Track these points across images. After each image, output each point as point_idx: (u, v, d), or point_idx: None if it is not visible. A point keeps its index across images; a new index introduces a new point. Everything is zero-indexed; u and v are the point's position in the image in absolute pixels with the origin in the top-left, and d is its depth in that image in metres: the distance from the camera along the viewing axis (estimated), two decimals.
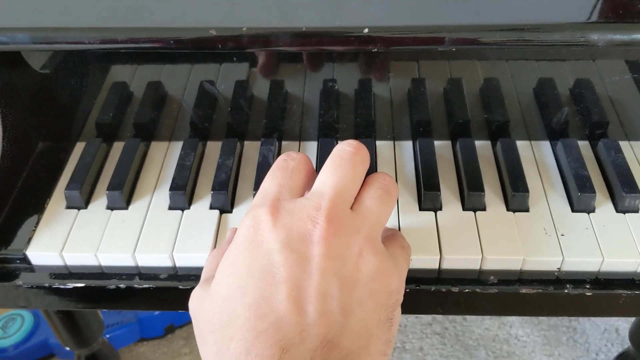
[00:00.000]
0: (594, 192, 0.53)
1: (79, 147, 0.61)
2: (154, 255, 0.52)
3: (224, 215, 0.55)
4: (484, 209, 0.54)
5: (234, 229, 0.46)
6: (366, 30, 0.47)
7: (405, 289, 0.50)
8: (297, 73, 0.58)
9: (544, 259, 0.50)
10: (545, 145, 0.60)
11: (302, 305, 0.36)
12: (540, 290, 0.50)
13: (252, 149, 0.61)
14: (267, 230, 0.38)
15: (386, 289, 0.39)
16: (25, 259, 0.53)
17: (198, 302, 0.41)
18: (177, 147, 0.61)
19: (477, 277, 0.51)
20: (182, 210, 0.55)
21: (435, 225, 0.53)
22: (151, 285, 0.52)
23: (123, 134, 0.62)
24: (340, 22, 0.48)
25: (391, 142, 0.61)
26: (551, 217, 0.53)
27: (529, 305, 0.52)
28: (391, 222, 0.53)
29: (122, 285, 0.52)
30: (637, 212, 0.54)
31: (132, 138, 0.61)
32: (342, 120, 0.60)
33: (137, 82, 0.60)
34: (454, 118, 0.59)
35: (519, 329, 1.23)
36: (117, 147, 0.61)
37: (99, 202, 0.56)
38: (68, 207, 0.56)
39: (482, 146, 0.60)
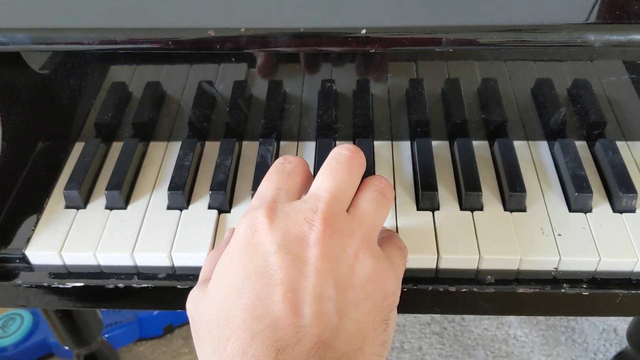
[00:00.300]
0: (591, 192, 0.53)
1: (78, 147, 0.61)
2: (152, 255, 0.52)
3: (222, 215, 0.55)
4: (481, 209, 0.54)
5: (232, 229, 0.46)
6: (364, 31, 0.48)
7: (403, 288, 0.50)
8: (296, 73, 0.58)
9: (541, 258, 0.51)
10: (543, 145, 0.61)
11: (298, 307, 0.36)
12: (538, 290, 0.50)
13: (250, 149, 0.61)
14: (264, 232, 0.39)
15: (382, 290, 0.39)
16: (24, 259, 0.53)
17: (195, 303, 0.41)
18: (175, 147, 0.61)
19: (474, 277, 0.51)
20: (181, 210, 0.55)
21: (432, 225, 0.53)
22: (150, 285, 0.52)
23: (122, 134, 0.62)
24: (338, 23, 0.48)
25: (389, 142, 0.61)
26: (548, 217, 0.54)
27: (527, 304, 0.52)
28: (389, 222, 0.53)
29: (120, 285, 0.52)
30: (634, 212, 0.54)
31: (131, 138, 0.61)
32: (341, 120, 0.60)
33: (136, 83, 0.60)
34: (452, 118, 0.59)
35: (517, 329, 1.23)
36: (116, 147, 0.62)
37: (98, 202, 0.57)
38: (67, 207, 0.56)
39: (480, 146, 0.60)
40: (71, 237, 0.54)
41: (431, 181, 0.55)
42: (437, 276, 0.51)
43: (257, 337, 0.35)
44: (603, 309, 0.52)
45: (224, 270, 0.40)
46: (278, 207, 0.40)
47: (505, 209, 0.54)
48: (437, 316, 1.26)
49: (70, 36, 0.50)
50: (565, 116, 0.59)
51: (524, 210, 0.54)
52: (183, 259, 0.52)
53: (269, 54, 0.56)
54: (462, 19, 0.49)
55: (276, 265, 0.37)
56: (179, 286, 0.52)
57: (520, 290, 0.50)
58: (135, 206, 0.56)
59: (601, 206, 0.55)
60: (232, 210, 0.56)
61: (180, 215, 0.55)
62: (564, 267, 0.51)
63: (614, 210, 0.54)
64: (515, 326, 1.24)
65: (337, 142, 0.61)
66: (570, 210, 0.54)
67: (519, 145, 0.60)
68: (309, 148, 0.61)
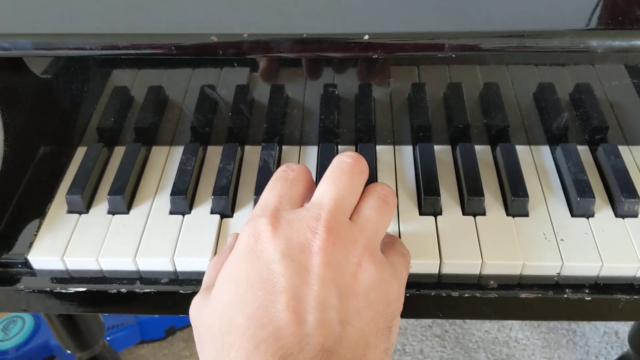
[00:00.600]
0: (594, 197, 0.53)
1: (80, 152, 0.61)
2: (155, 260, 0.52)
3: (224, 219, 0.55)
4: (483, 214, 0.54)
5: (235, 234, 0.46)
6: (366, 37, 0.48)
7: (405, 293, 0.50)
8: (298, 78, 0.58)
9: (544, 263, 0.51)
10: (545, 149, 0.61)
11: (301, 315, 0.36)
12: (540, 295, 0.50)
13: (252, 154, 0.61)
14: (267, 240, 0.39)
15: (385, 298, 0.39)
16: (26, 264, 0.53)
17: (198, 310, 0.41)
18: (178, 151, 0.61)
19: (477, 282, 0.51)
20: (183, 214, 0.55)
21: (435, 230, 0.53)
22: (152, 290, 0.52)
23: (124, 138, 0.62)
24: (340, 29, 0.49)
25: (391, 147, 0.61)
26: (551, 222, 0.54)
27: (529, 310, 0.52)
28: (391, 227, 0.53)
29: (123, 290, 0.52)
30: (636, 216, 0.54)
31: (133, 143, 0.61)
32: (343, 125, 0.60)
33: (138, 87, 0.60)
34: (454, 123, 0.59)
35: (518, 332, 1.23)
36: (118, 152, 0.61)
37: (100, 207, 0.57)
38: (69, 212, 0.56)
39: (482, 151, 0.60)
40: (73, 242, 0.54)
41: (433, 186, 0.55)
42: (440, 281, 0.51)
43: (260, 345, 0.35)
44: (605, 314, 0.52)
45: (227, 277, 0.40)
46: (281, 215, 0.40)
47: (507, 214, 0.54)
48: (439, 319, 1.26)
49: (72, 41, 0.50)
50: (568, 121, 0.59)
51: (526, 215, 0.54)
52: (185, 264, 0.52)
53: (271, 59, 0.56)
54: (465, 24, 0.49)
55: (279, 273, 0.37)
56: (181, 291, 0.52)
57: (523, 295, 0.50)
58: (138, 211, 0.56)
59: (603, 211, 0.55)
60: (234, 215, 0.56)
61: (183, 220, 0.55)
62: (566, 272, 0.51)
63: (616, 215, 0.54)
64: (516, 329, 1.24)
65: (340, 147, 0.61)
66: (573, 215, 0.54)
67: (521, 150, 0.60)
68: (311, 152, 0.61)
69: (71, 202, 0.56)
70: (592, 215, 0.54)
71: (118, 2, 0.53)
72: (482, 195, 0.54)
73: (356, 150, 0.60)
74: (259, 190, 0.55)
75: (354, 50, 0.49)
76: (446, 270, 0.51)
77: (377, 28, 0.48)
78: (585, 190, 0.54)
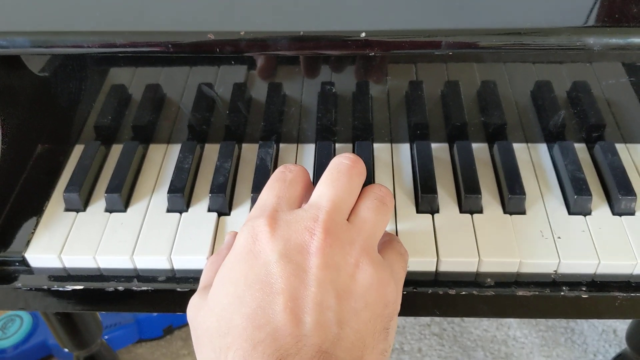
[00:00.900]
0: (591, 194, 0.53)
1: (78, 150, 0.61)
2: (152, 258, 0.52)
3: (222, 217, 0.55)
4: (480, 212, 0.54)
5: (232, 232, 0.46)
6: (363, 34, 0.48)
7: (403, 291, 0.50)
8: (295, 76, 0.58)
9: (541, 261, 0.51)
10: (542, 147, 0.61)
11: (299, 316, 0.36)
12: (537, 293, 0.50)
13: (250, 152, 0.61)
14: (265, 241, 0.39)
15: (382, 299, 0.39)
16: (24, 262, 0.53)
17: (196, 310, 0.41)
18: (175, 149, 0.61)
19: (474, 280, 0.51)
20: (181, 212, 0.55)
21: (432, 228, 0.53)
22: (149, 288, 0.52)
23: (121, 136, 0.62)
24: (338, 26, 0.49)
25: (389, 145, 0.61)
26: (548, 220, 0.54)
27: (526, 307, 0.52)
28: (389, 226, 0.53)
29: (120, 288, 0.52)
30: (633, 214, 0.54)
31: (131, 141, 0.61)
32: (340, 122, 0.60)
33: (136, 85, 0.60)
34: (451, 120, 0.59)
35: (517, 330, 1.23)
36: (116, 150, 0.62)
37: (98, 205, 0.57)
38: (67, 210, 0.56)
39: (479, 148, 0.60)
40: (71, 240, 0.54)
41: (431, 184, 0.55)
42: (437, 279, 0.52)
43: (258, 346, 0.35)
44: (602, 311, 0.52)
45: (225, 278, 0.40)
46: (279, 216, 0.40)
47: (504, 212, 0.54)
48: (437, 317, 1.26)
49: (70, 39, 0.50)
50: (565, 118, 0.59)
51: (523, 212, 0.54)
52: (183, 262, 0.52)
53: (268, 56, 0.56)
54: (462, 22, 0.49)
55: (277, 274, 0.37)
56: (178, 289, 0.52)
57: (520, 293, 0.50)
58: (135, 209, 0.56)
59: (600, 209, 0.55)
60: (231, 213, 0.56)
61: (180, 218, 0.55)
62: (563, 270, 0.51)
63: (614, 213, 0.54)
64: (514, 327, 1.24)
65: (337, 145, 0.61)
66: (570, 212, 0.54)
67: (518, 148, 0.60)
68: (309, 150, 0.61)
69: (68, 199, 0.56)
70: (590, 213, 0.54)
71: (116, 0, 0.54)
72: (479, 193, 0.54)
73: (353, 148, 0.60)
74: (256, 188, 0.55)
75: (351, 48, 0.49)
76: (443, 268, 0.51)
77: (374, 25, 0.48)
78: (582, 188, 0.54)
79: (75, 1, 0.54)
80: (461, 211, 0.55)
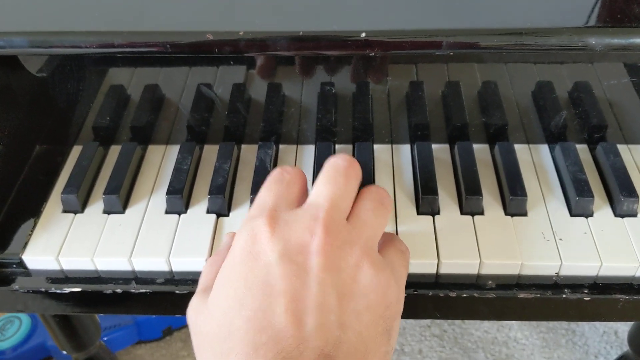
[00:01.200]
0: (593, 196, 0.53)
1: (76, 151, 0.61)
2: (150, 260, 0.52)
3: (220, 219, 0.55)
4: (482, 213, 0.54)
5: (231, 233, 0.45)
6: (364, 35, 0.47)
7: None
8: (295, 76, 0.58)
9: (542, 263, 0.50)
10: (544, 148, 0.60)
11: (300, 318, 0.36)
12: (539, 295, 0.50)
13: (249, 153, 0.61)
14: (265, 242, 0.38)
15: (384, 300, 0.39)
16: (21, 264, 0.53)
17: (195, 314, 0.41)
18: (174, 150, 0.61)
19: (475, 282, 0.51)
20: (179, 214, 0.55)
21: (433, 230, 0.53)
22: (148, 290, 0.52)
23: (120, 137, 0.62)
24: (337, 26, 0.48)
25: (389, 146, 0.61)
26: (549, 222, 0.53)
27: (528, 310, 0.51)
28: (389, 227, 0.53)
29: (118, 290, 0.52)
30: (635, 216, 0.53)
31: (129, 141, 0.61)
32: (340, 123, 0.60)
33: (134, 85, 0.60)
34: (452, 121, 0.59)
35: (517, 332, 1.23)
36: (114, 151, 0.61)
37: (96, 206, 0.56)
38: (64, 211, 0.56)
39: (480, 149, 0.60)
40: (69, 242, 0.53)
41: (431, 185, 0.54)
42: (438, 281, 0.51)
43: (260, 349, 0.35)
44: (604, 314, 0.52)
45: (224, 280, 0.39)
46: (279, 216, 0.40)
47: (506, 213, 0.54)
48: (437, 319, 1.26)
49: (68, 39, 0.50)
50: (566, 119, 0.58)
51: (524, 214, 0.54)
52: (181, 264, 0.52)
53: (268, 56, 0.56)
54: (463, 22, 0.48)
55: (278, 275, 0.37)
56: (177, 291, 0.52)
57: (522, 295, 0.50)
58: (134, 210, 0.56)
59: (602, 210, 0.54)
60: (230, 214, 0.55)
61: (179, 220, 0.55)
62: (565, 272, 0.51)
63: (616, 215, 0.54)
64: (515, 329, 1.24)
65: (337, 146, 0.61)
66: (572, 214, 0.54)
67: (520, 149, 0.59)
68: (308, 152, 0.61)
69: (66, 201, 0.55)
70: (591, 215, 0.54)
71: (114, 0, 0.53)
72: (480, 194, 0.53)
73: (353, 150, 0.60)
74: (255, 190, 0.54)
75: (351, 48, 0.48)
76: (444, 270, 0.51)
77: (374, 25, 0.48)
78: (584, 190, 0.53)
79: (73, 1, 0.53)
80: (462, 212, 0.54)
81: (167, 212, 0.55)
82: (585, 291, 0.50)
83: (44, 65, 0.58)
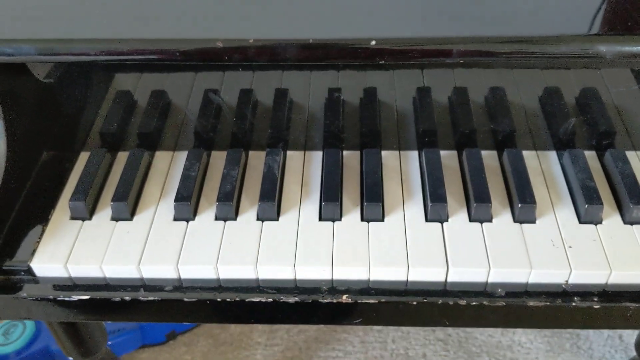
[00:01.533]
0: (602, 203, 0.53)
1: (84, 157, 0.61)
2: (159, 267, 0.52)
3: (228, 224, 0.55)
4: (490, 220, 0.54)
5: None
6: (373, 42, 0.47)
7: (412, 301, 0.49)
8: (302, 82, 0.58)
9: (552, 271, 0.50)
10: (552, 155, 0.60)
11: None
12: (548, 303, 0.50)
13: (257, 159, 0.60)
14: None
15: None
16: (29, 271, 0.53)
17: None
18: (181, 157, 0.61)
19: (484, 290, 0.51)
20: (187, 221, 0.55)
21: (441, 237, 0.52)
22: (156, 298, 0.52)
23: (127, 143, 0.62)
24: (347, 34, 0.48)
25: (397, 152, 0.61)
26: (558, 229, 0.53)
27: (536, 318, 0.51)
28: (398, 235, 0.53)
29: (127, 298, 0.52)
30: None
31: (137, 148, 0.61)
32: (348, 130, 0.60)
33: (141, 91, 0.60)
34: (460, 128, 0.59)
35: (522, 336, 1.23)
36: (122, 157, 0.61)
37: (104, 213, 0.56)
38: (72, 218, 0.56)
39: (488, 156, 0.59)
40: (77, 249, 0.53)
41: (440, 192, 0.54)
42: (447, 289, 0.51)
43: None
44: (614, 322, 0.52)
45: None
46: None
47: (514, 221, 0.54)
48: None
49: (76, 47, 0.50)
50: (574, 126, 0.58)
51: (533, 221, 0.54)
52: (190, 271, 0.52)
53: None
54: (472, 30, 0.48)
55: None
56: (185, 299, 0.51)
57: (531, 303, 0.50)
58: (141, 217, 0.56)
59: (611, 217, 0.54)
60: (238, 219, 0.55)
61: (187, 227, 0.54)
62: (574, 280, 0.50)
63: (625, 222, 0.54)
64: (519, 333, 1.23)
65: (344, 152, 0.60)
66: (581, 221, 0.54)
67: (528, 155, 0.59)
68: (316, 158, 0.61)
69: (74, 208, 0.55)
70: (600, 222, 0.53)
71: (121, 7, 0.53)
72: (489, 201, 0.53)
73: (361, 156, 0.60)
74: (263, 197, 0.54)
75: (361, 56, 0.48)
76: (453, 278, 0.51)
77: (384, 33, 0.48)
78: (593, 197, 0.53)
79: (82, 9, 0.53)
80: (471, 220, 0.54)
81: (175, 219, 0.55)
82: (595, 299, 0.50)
83: (51, 71, 0.58)
